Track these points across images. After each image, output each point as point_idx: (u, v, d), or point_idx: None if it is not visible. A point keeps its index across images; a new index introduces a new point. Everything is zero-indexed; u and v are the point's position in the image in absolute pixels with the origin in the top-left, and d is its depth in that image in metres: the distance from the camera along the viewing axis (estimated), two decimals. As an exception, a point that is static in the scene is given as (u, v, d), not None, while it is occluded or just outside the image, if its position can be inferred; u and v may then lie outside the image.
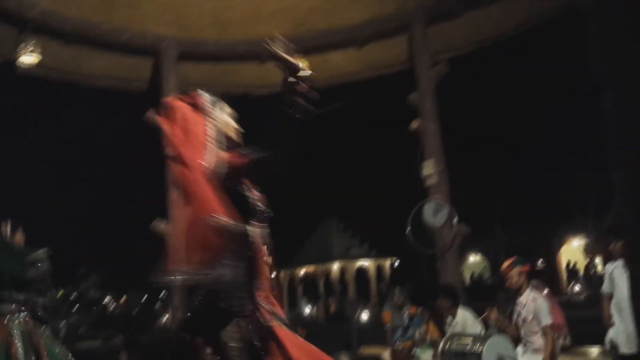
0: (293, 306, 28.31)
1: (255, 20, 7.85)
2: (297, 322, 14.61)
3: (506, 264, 5.47)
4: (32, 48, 6.76)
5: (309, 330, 8.87)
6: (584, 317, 7.95)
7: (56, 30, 7.27)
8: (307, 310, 26.53)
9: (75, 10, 7.25)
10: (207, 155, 2.65)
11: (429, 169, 7.93)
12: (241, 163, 2.60)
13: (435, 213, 7.66)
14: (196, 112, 2.77)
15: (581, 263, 25.97)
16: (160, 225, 6.92)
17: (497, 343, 4.89)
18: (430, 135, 8.02)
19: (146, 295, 28.87)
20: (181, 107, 2.77)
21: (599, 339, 5.91)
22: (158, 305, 28.27)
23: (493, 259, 25.66)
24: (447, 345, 5.19)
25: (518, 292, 5.34)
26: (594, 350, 6.34)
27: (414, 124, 8.07)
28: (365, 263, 27.14)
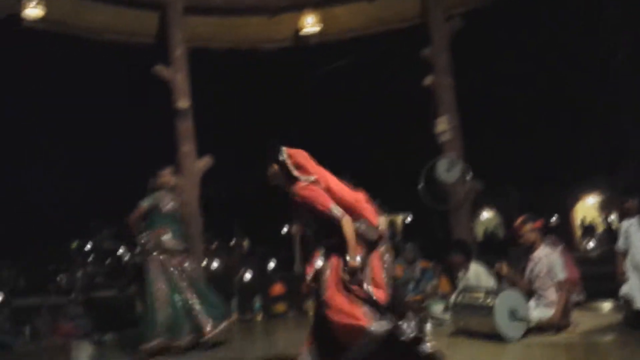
0: (305, 260, 28.67)
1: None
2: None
3: (518, 221, 5.45)
4: (36, 1, 6.65)
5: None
6: (597, 274, 7.93)
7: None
8: (319, 263, 26.84)
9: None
10: None
11: (443, 125, 7.84)
12: None
13: (448, 169, 7.61)
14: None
15: (596, 220, 25.89)
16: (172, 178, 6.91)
17: (510, 297, 4.90)
18: (444, 91, 7.90)
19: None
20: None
21: (612, 295, 5.90)
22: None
23: (506, 216, 25.61)
24: (459, 298, 5.22)
25: (531, 248, 5.34)
26: (607, 305, 6.34)
27: (428, 80, 7.93)
28: (377, 218, 27.24)
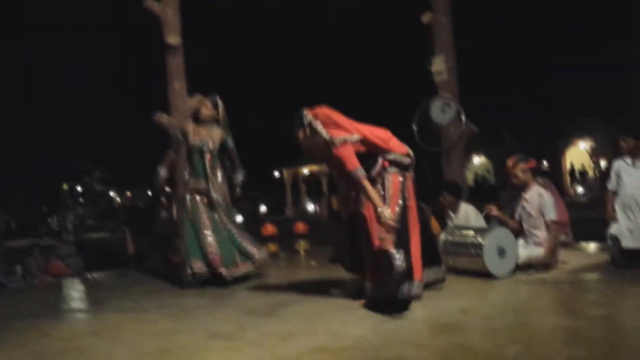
0: (297, 203, 28.79)
1: None
2: (301, 218, 14.86)
3: (511, 161, 5.44)
4: None
5: (311, 226, 9.00)
6: (586, 218, 8.00)
7: None
8: (311, 207, 27.01)
9: None
10: None
11: (439, 65, 7.68)
12: None
13: (443, 110, 7.51)
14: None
15: (587, 166, 26.06)
16: (163, 117, 6.79)
17: (499, 235, 4.93)
18: (441, 29, 7.70)
19: (151, 190, 29.37)
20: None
21: (599, 238, 5.97)
22: (164, 199, 28.90)
23: (498, 161, 25.69)
24: (449, 237, 5.24)
25: (523, 189, 5.34)
26: (594, 246, 6.41)
27: (425, 18, 7.72)
28: (369, 163, 27.28)
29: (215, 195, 5.67)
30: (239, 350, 3.30)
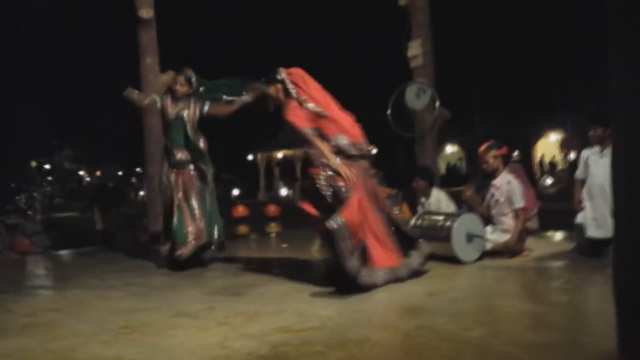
0: (270, 188, 28.71)
1: None
2: (273, 202, 14.84)
3: (483, 147, 5.47)
4: None
5: (283, 210, 9.02)
6: (553, 209, 8.13)
7: None
8: (284, 192, 26.98)
9: None
10: None
11: (415, 49, 7.66)
12: None
13: (417, 96, 7.51)
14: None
15: (556, 157, 26.50)
16: (134, 93, 6.66)
17: (468, 220, 4.97)
18: (419, 12, 7.65)
19: (121, 170, 28.85)
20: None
21: (567, 229, 6.07)
22: (134, 179, 28.45)
23: (470, 150, 25.96)
24: (419, 221, 5.27)
25: (493, 175, 5.38)
26: (561, 235, 6.52)
27: (403, 0, 7.67)
28: (343, 148, 27.32)
29: (203, 166, 5.50)
30: (205, 329, 3.27)
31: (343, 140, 4.15)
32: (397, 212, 4.64)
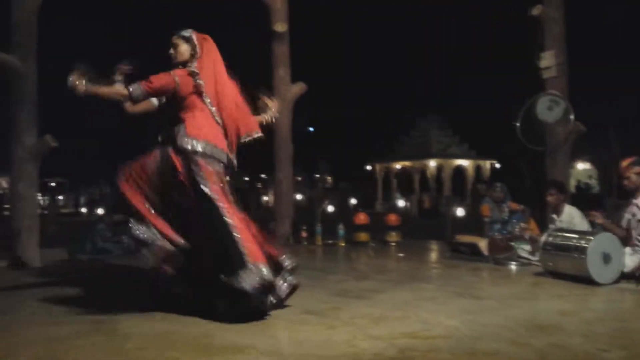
0: (387, 198, 28.66)
1: None
2: (391, 211, 14.82)
3: (625, 162, 5.16)
4: None
5: (402, 221, 8.98)
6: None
7: None
8: (401, 203, 26.79)
9: None
10: None
11: (548, 60, 7.39)
12: None
13: (550, 108, 7.21)
14: None
15: None
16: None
17: (605, 240, 4.70)
18: (553, 23, 7.39)
19: (247, 176, 30.19)
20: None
21: None
22: (259, 184, 29.68)
23: (603, 168, 24.30)
24: (551, 239, 5.05)
25: (633, 194, 5.05)
26: None
27: (536, 10, 7.43)
28: (463, 163, 26.58)
29: None
30: (332, 328, 3.38)
31: (208, 147, 3.83)
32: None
